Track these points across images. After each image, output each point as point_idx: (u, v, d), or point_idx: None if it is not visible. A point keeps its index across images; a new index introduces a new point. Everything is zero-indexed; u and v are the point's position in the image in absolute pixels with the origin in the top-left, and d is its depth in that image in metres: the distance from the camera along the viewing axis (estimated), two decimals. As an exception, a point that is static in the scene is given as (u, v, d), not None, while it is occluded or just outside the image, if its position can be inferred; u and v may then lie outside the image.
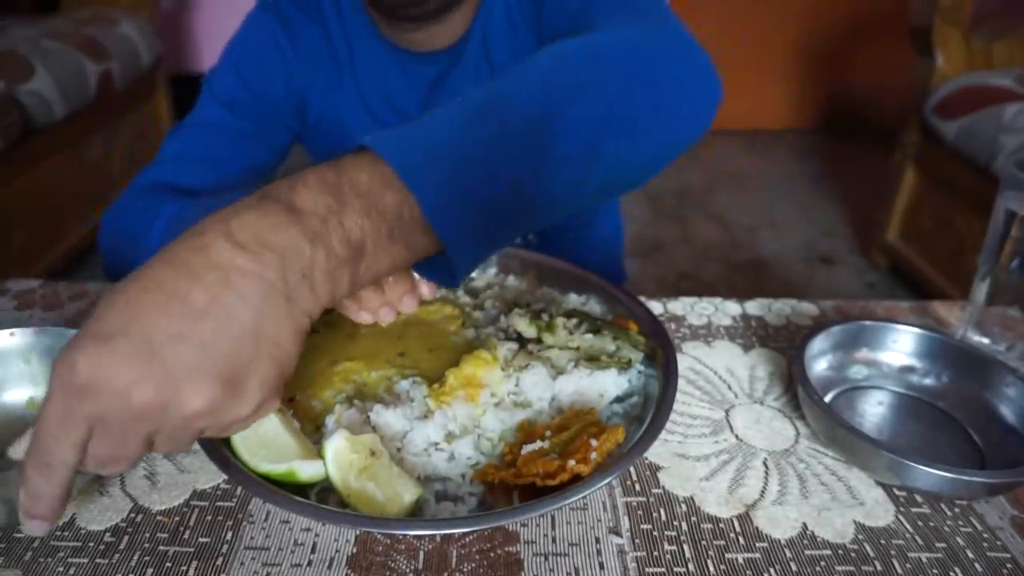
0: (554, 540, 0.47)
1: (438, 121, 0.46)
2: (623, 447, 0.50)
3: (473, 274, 0.73)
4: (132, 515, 0.48)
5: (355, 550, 0.46)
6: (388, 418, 0.52)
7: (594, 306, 0.67)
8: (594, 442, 0.48)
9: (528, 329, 0.60)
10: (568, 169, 0.49)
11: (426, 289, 0.52)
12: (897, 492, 0.52)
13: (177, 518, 0.48)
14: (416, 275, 0.51)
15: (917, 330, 0.62)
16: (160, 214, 0.68)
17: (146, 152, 2.47)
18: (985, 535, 0.49)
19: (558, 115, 0.48)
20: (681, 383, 0.60)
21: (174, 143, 0.83)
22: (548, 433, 0.51)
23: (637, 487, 0.52)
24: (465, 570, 0.45)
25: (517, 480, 0.48)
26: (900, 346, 0.62)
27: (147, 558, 0.45)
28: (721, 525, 0.49)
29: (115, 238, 0.76)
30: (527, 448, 0.50)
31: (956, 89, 1.99)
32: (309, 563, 0.45)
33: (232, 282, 0.37)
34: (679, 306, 0.74)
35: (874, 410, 0.60)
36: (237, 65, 0.85)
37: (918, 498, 0.52)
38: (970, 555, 0.47)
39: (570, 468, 0.47)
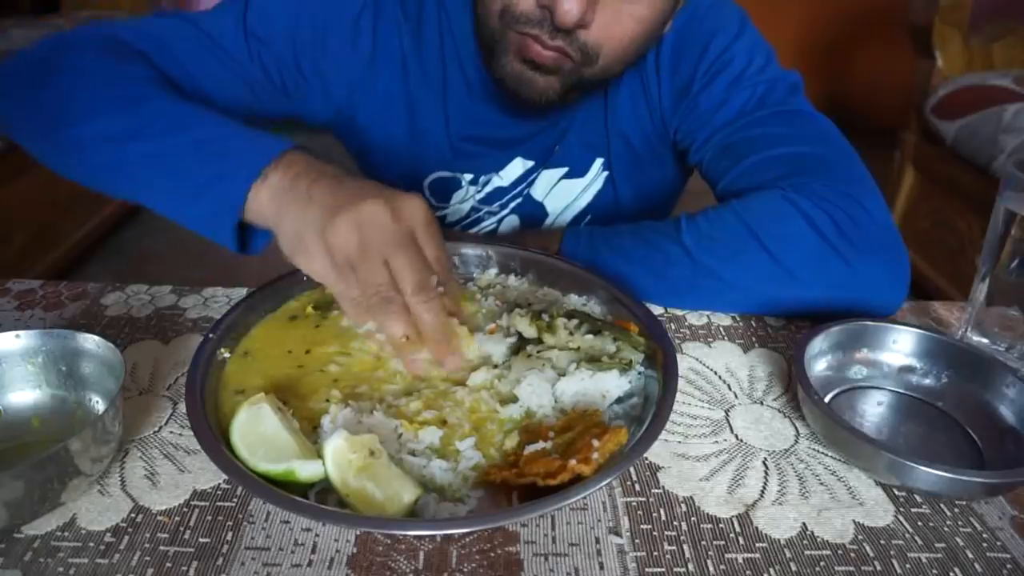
0: (554, 540, 0.47)
1: (614, 232, 0.74)
2: (624, 447, 0.50)
3: (474, 274, 0.73)
4: (132, 515, 0.48)
5: (355, 550, 0.46)
6: (384, 419, 0.52)
7: (594, 307, 0.67)
8: (596, 442, 0.48)
9: (528, 329, 0.60)
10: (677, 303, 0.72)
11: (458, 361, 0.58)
12: (897, 492, 0.52)
13: (177, 518, 0.48)
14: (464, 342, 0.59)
15: (917, 330, 0.62)
16: (148, 98, 0.63)
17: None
18: (985, 535, 0.49)
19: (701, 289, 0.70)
20: (681, 383, 0.60)
21: (169, 29, 0.73)
22: (551, 434, 0.51)
23: (637, 487, 0.52)
24: (465, 570, 0.45)
25: (519, 480, 0.48)
26: (900, 346, 0.62)
27: (147, 558, 0.45)
28: (721, 525, 0.49)
29: (61, 65, 0.67)
30: (529, 448, 0.50)
31: (956, 89, 1.99)
32: (309, 563, 0.45)
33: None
34: (679, 306, 0.74)
35: (874, 410, 0.60)
36: (298, 6, 0.76)
37: (918, 498, 0.52)
38: (970, 555, 0.47)
39: (571, 467, 0.47)
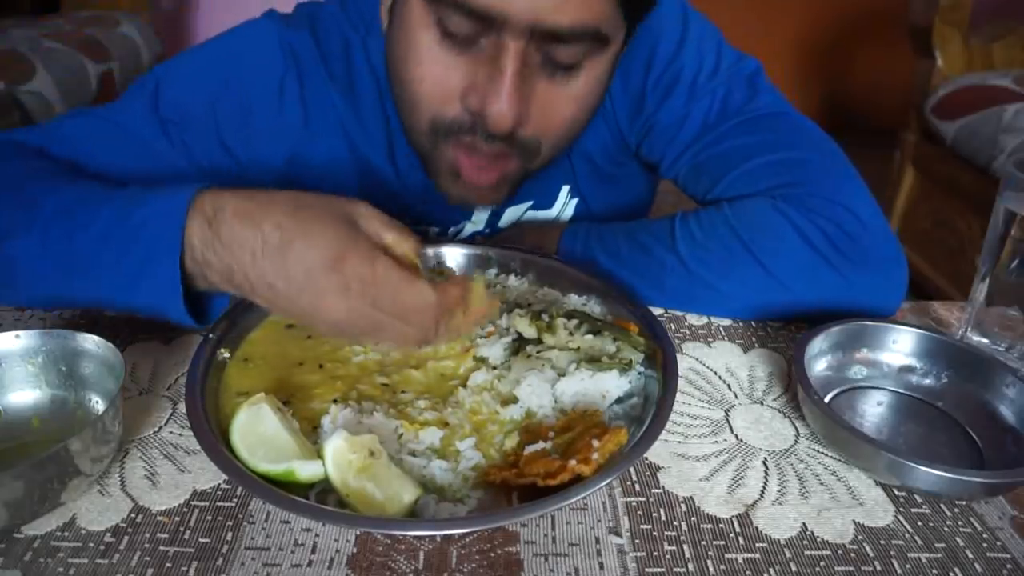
0: (554, 540, 0.47)
1: (608, 230, 0.74)
2: (624, 447, 0.50)
3: (474, 274, 0.73)
4: (132, 515, 0.48)
5: (355, 550, 0.46)
6: (384, 419, 0.52)
7: (594, 307, 0.67)
8: (596, 443, 0.48)
9: (528, 329, 0.60)
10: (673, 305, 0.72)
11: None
12: (897, 492, 0.52)
13: (177, 518, 0.48)
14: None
15: (917, 330, 0.62)
16: (40, 195, 0.55)
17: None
18: (985, 535, 0.49)
19: (694, 292, 0.70)
20: (681, 383, 0.59)
21: (77, 127, 0.68)
22: (551, 434, 0.51)
23: (637, 487, 0.52)
24: (465, 570, 0.45)
25: (519, 480, 0.48)
26: (900, 346, 0.62)
27: (147, 558, 0.45)
28: (721, 525, 0.49)
29: None
30: (529, 448, 0.50)
31: (956, 89, 1.99)
32: (309, 563, 0.45)
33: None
34: (679, 306, 0.74)
35: (874, 410, 0.60)
36: (212, 87, 0.70)
37: (918, 498, 0.52)
38: (970, 555, 0.47)
39: (571, 468, 0.47)
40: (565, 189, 0.83)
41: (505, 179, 0.66)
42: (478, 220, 0.84)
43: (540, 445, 0.50)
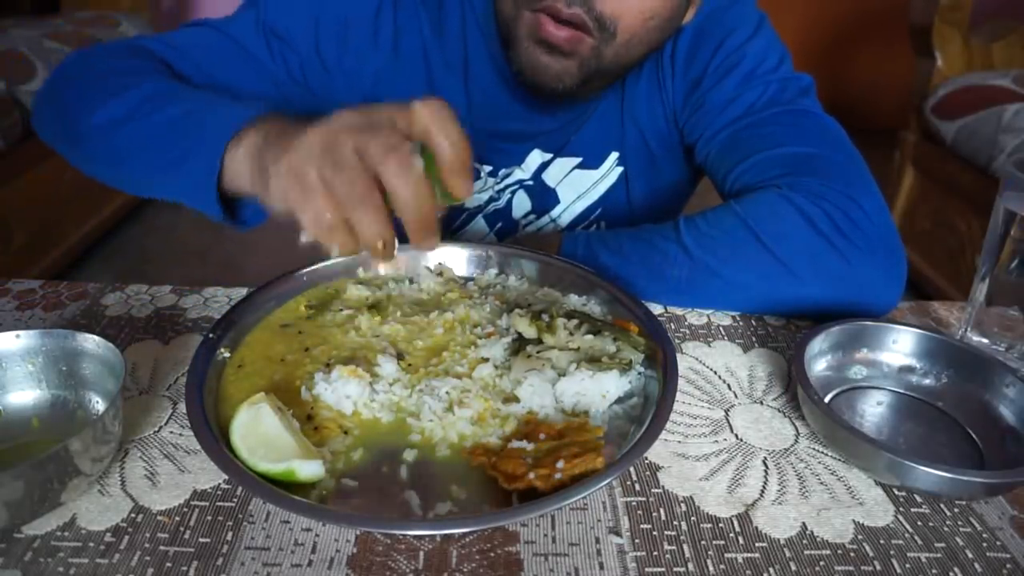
0: (554, 540, 0.47)
1: (610, 235, 0.74)
2: (623, 447, 0.50)
3: (474, 274, 0.74)
4: (132, 515, 0.48)
5: (355, 550, 0.46)
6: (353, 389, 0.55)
7: (594, 307, 0.67)
8: (561, 464, 0.48)
9: (528, 329, 0.60)
10: (678, 301, 0.72)
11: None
12: (896, 492, 0.52)
13: (177, 518, 0.48)
14: None
15: (917, 330, 0.62)
16: (142, 84, 0.66)
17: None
18: (984, 535, 0.49)
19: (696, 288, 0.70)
20: (681, 383, 0.60)
21: (191, 36, 0.77)
22: (542, 436, 0.51)
23: (637, 487, 0.52)
24: (465, 570, 0.45)
25: (492, 472, 0.49)
26: (900, 346, 0.62)
27: (147, 558, 0.45)
28: (721, 525, 0.49)
29: (81, 70, 0.71)
30: (514, 444, 0.50)
31: (956, 89, 1.99)
32: (309, 563, 0.45)
33: None
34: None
35: (874, 410, 0.60)
36: (318, 10, 0.76)
37: (917, 498, 0.52)
38: (969, 555, 0.47)
39: (527, 480, 0.47)
40: (614, 155, 0.87)
41: (578, 55, 0.69)
42: (527, 168, 0.87)
43: (523, 444, 0.50)
